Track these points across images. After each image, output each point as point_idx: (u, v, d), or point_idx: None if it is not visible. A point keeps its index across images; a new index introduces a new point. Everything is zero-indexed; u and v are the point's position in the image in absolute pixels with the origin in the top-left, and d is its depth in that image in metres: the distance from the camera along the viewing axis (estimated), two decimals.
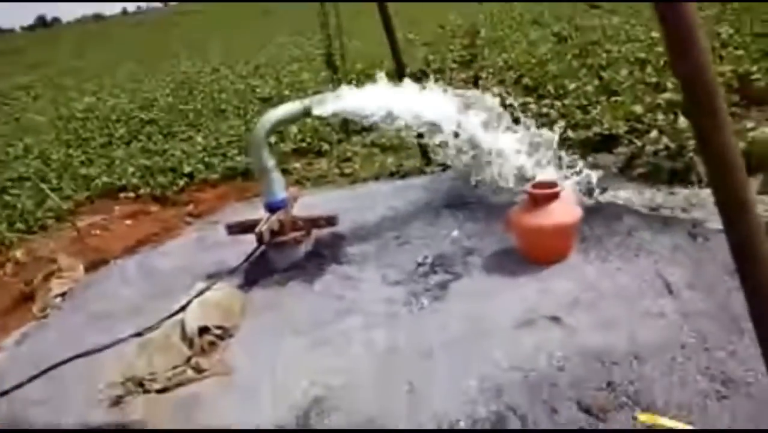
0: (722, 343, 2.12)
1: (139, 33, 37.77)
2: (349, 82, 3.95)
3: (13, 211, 5.40)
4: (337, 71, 5.46)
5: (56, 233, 4.91)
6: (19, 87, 16.16)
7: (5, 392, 2.54)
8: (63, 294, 3.72)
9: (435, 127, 3.24)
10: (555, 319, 2.33)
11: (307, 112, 3.12)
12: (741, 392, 1.93)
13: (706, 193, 3.37)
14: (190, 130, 7.67)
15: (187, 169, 5.82)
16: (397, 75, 4.29)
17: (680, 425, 1.84)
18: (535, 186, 2.76)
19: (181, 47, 20.66)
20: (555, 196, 2.67)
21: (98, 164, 6.59)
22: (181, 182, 5.61)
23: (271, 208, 3.13)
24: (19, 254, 4.57)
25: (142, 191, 5.57)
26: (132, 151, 7.00)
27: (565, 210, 2.69)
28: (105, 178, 5.98)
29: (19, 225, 5.12)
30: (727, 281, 2.42)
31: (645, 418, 1.91)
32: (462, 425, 1.92)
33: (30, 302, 3.79)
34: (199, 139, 6.96)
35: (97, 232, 4.68)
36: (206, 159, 6.04)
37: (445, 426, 1.93)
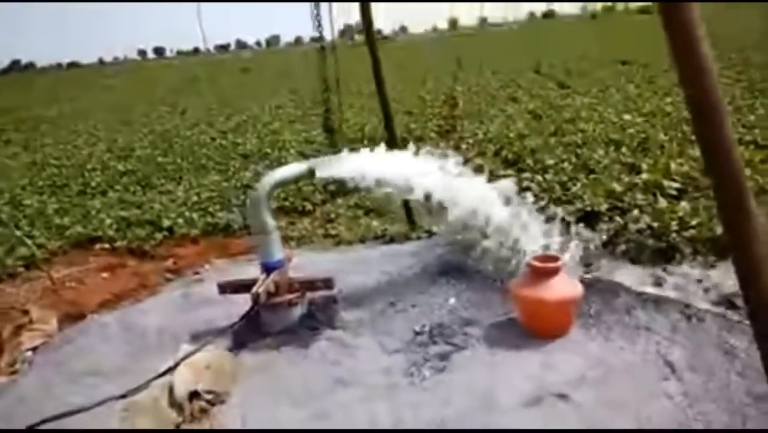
0: (726, 427, 2.14)
1: (115, 83, 37.90)
2: (345, 147, 4.02)
3: None
4: (335, 136, 5.54)
5: (27, 282, 4.69)
6: None
7: None
8: (35, 348, 3.52)
9: (432, 195, 3.29)
10: (562, 396, 2.30)
11: (311, 174, 3.14)
12: None
13: (691, 273, 3.49)
14: (170, 183, 7.59)
15: (166, 223, 5.70)
16: (388, 143, 4.39)
17: None
18: (536, 259, 2.79)
19: (158, 100, 20.73)
20: (557, 270, 2.71)
21: (73, 213, 6.41)
22: (160, 236, 5.48)
23: (268, 269, 3.08)
24: None
25: (118, 243, 5.40)
26: (108, 202, 6.85)
27: (567, 284, 2.73)
28: (80, 228, 5.80)
29: None
30: (725, 363, 2.47)
31: None
32: None
33: None
34: (179, 192, 6.88)
35: (72, 284, 4.49)
36: (186, 213, 5.93)
37: None
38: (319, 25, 4.64)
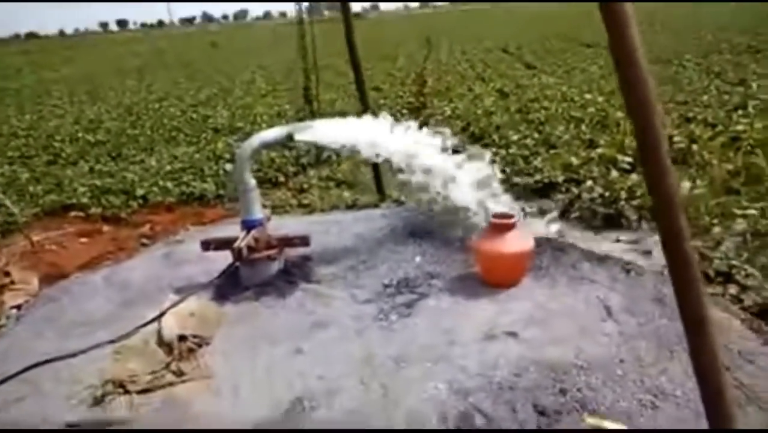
0: (655, 361, 2.46)
1: (78, 55, 36.85)
2: (321, 116, 4.24)
3: None
4: (312, 105, 5.73)
5: (5, 248, 4.79)
6: None
7: None
8: (18, 306, 3.67)
9: (401, 162, 3.54)
10: (513, 334, 2.61)
11: (290, 137, 3.35)
12: (670, 402, 2.26)
13: (636, 237, 3.84)
14: (141, 154, 7.66)
15: (140, 192, 5.82)
16: (361, 113, 4.61)
17: (623, 428, 2.14)
18: (494, 216, 3.09)
19: (123, 73, 20.38)
20: (513, 226, 3.01)
21: (45, 182, 6.47)
22: (135, 204, 5.61)
23: (248, 226, 3.30)
24: None
25: (92, 211, 5.51)
26: (80, 171, 6.91)
27: (521, 239, 3.03)
28: (54, 196, 5.89)
29: None
30: (657, 309, 2.81)
31: (592, 421, 2.19)
32: (433, 421, 2.14)
33: None
34: (152, 162, 6.98)
35: (52, 247, 4.62)
36: (160, 183, 6.06)
37: (416, 425, 2.14)
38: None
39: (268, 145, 3.47)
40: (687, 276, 1.78)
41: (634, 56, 1.70)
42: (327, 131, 3.36)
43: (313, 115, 4.44)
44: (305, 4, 4.97)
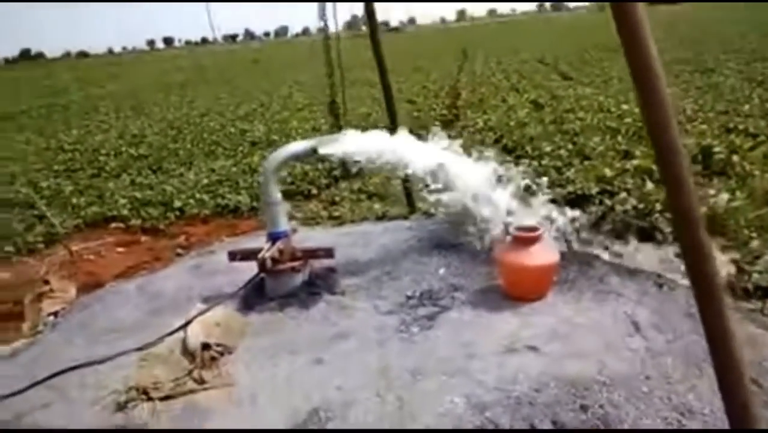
0: (683, 378, 2.38)
1: (124, 72, 38.24)
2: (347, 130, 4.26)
3: (2, 233, 5.46)
4: (338, 119, 5.79)
5: (47, 257, 4.98)
6: (2, 117, 16.18)
7: (6, 397, 2.62)
8: (55, 313, 3.80)
9: (429, 176, 3.54)
10: (534, 348, 2.56)
11: (314, 151, 3.39)
12: (698, 420, 2.17)
13: (671, 251, 3.72)
14: (181, 167, 7.88)
15: (177, 204, 5.98)
16: (390, 129, 4.63)
17: None
18: (519, 229, 3.05)
19: (167, 89, 21.03)
20: (537, 238, 2.96)
21: (88, 194, 6.71)
22: (172, 216, 5.77)
23: (274, 238, 3.34)
24: (8, 275, 4.63)
25: (132, 222, 5.69)
26: (122, 184, 7.15)
27: (546, 252, 2.98)
28: (95, 208, 6.10)
29: (8, 248, 5.18)
30: (688, 324, 2.71)
31: None
32: None
33: (19, 321, 3.86)
34: (190, 176, 7.17)
35: (91, 257, 4.79)
36: (197, 195, 6.21)
37: None
38: (324, 15, 4.89)
39: (293, 159, 3.52)
40: (708, 290, 1.72)
41: (650, 67, 1.67)
42: (350, 145, 3.38)
43: (340, 128, 4.48)
44: (330, 20, 5.02)
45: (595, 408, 2.21)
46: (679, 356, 2.51)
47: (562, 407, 2.21)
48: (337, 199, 5.87)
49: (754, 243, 3.58)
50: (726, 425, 1.98)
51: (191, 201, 6.04)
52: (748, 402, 1.75)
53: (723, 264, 3.33)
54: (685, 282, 3.20)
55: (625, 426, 2.14)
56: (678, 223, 1.77)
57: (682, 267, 3.46)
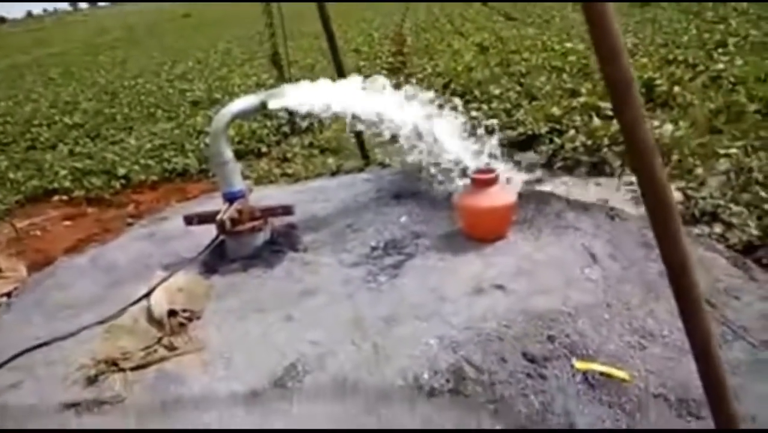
0: (640, 304, 2.49)
1: (49, 36, 35.87)
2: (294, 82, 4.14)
3: None
4: (283, 71, 5.61)
5: None
6: None
7: None
8: (8, 294, 3.65)
9: (381, 122, 3.49)
10: (500, 287, 2.63)
11: (263, 106, 3.29)
12: (658, 342, 2.30)
13: (619, 184, 3.85)
14: (120, 133, 7.54)
15: (121, 172, 5.76)
16: (337, 78, 4.51)
17: (612, 370, 2.18)
18: (475, 173, 3.07)
19: (97, 51, 19.90)
20: (494, 180, 3.00)
21: (25, 168, 6.37)
22: (117, 184, 5.56)
23: (230, 199, 3.27)
24: None
25: (75, 194, 5.46)
26: (60, 155, 6.81)
27: (503, 193, 3.03)
28: (35, 182, 5.81)
29: None
30: (642, 252, 2.83)
31: (581, 365, 2.23)
32: (425, 377, 2.17)
33: None
34: (132, 141, 6.88)
35: (37, 233, 4.58)
36: (141, 161, 5.99)
37: (410, 379, 2.17)
38: None
39: (242, 115, 3.41)
40: (666, 218, 1.79)
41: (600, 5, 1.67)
42: (301, 96, 3.29)
43: (284, 81, 4.36)
44: None
45: (561, 338, 2.31)
46: (635, 283, 2.63)
47: (530, 340, 2.30)
48: (288, 156, 5.76)
49: (699, 170, 3.73)
50: (684, 346, 2.11)
51: (135, 167, 5.82)
52: (707, 324, 1.86)
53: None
54: (634, 212, 3.34)
55: (591, 353, 2.25)
56: (633, 154, 1.82)
57: (630, 197, 3.61)
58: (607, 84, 1.75)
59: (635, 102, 1.73)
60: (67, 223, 4.83)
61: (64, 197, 5.46)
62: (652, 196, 1.79)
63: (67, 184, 5.66)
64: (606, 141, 4.27)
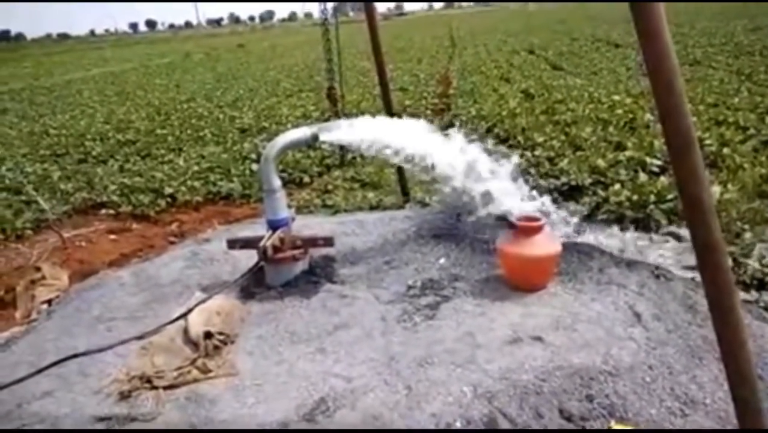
0: (684, 368, 2.41)
1: (108, 55, 37.57)
2: (346, 117, 4.24)
3: None
4: (337, 105, 5.75)
5: (37, 244, 4.90)
6: None
7: (5, 386, 2.57)
8: (49, 301, 3.75)
9: (429, 163, 3.53)
10: (538, 338, 2.58)
11: (314, 138, 3.36)
12: (700, 410, 2.21)
13: (663, 240, 3.77)
14: (170, 153, 7.78)
15: (168, 191, 5.91)
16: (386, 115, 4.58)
17: None
18: (521, 220, 3.06)
19: (153, 74, 20.72)
20: (539, 228, 2.97)
21: (75, 180, 6.61)
22: (163, 203, 5.70)
23: (274, 226, 3.32)
24: None
25: (122, 209, 5.63)
26: (110, 170, 7.05)
27: (548, 242, 2.99)
28: (84, 194, 6.01)
29: None
30: (687, 316, 2.75)
31: (619, 427, 2.16)
32: (458, 425, 2.12)
33: (11, 308, 3.79)
34: (180, 162, 7.08)
35: (82, 244, 4.72)
36: (188, 182, 6.14)
37: (442, 425, 2.13)
38: (324, 8, 4.86)
39: (293, 146, 3.49)
40: (721, 283, 1.75)
41: (666, 59, 1.69)
42: (353, 132, 3.36)
43: (338, 115, 4.45)
44: (330, 4, 5.00)
45: (600, 398, 2.24)
46: (679, 347, 2.55)
47: (568, 396, 2.24)
48: (330, 187, 5.84)
49: (747, 235, 3.63)
50: (729, 415, 2.02)
51: (182, 188, 5.97)
52: (757, 393, 1.78)
53: None
54: (680, 273, 3.25)
55: (630, 416, 2.17)
56: (691, 215, 1.79)
57: (678, 259, 3.53)
58: (666, 139, 1.74)
59: (696, 156, 1.72)
60: (112, 236, 4.96)
61: (111, 211, 5.62)
62: (707, 258, 1.75)
63: (114, 198, 5.83)
64: (652, 198, 4.20)
